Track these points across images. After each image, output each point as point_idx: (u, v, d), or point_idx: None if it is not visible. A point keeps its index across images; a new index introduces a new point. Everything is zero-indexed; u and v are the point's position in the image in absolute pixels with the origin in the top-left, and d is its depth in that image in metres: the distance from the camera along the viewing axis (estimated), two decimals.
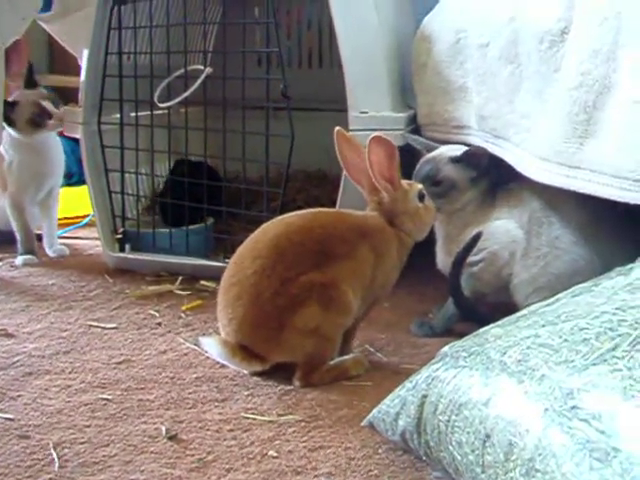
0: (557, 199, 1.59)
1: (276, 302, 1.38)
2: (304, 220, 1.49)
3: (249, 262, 1.41)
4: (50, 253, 2.32)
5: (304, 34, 2.84)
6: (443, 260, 1.74)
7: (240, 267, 1.43)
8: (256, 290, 1.39)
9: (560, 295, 1.17)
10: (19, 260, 2.24)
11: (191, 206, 2.04)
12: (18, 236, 2.27)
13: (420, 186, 1.57)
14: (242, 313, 1.39)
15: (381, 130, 1.79)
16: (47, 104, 2.22)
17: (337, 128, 1.53)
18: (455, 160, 1.70)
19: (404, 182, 1.55)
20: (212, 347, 1.45)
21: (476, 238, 1.63)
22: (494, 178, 1.72)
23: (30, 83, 2.27)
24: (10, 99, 2.22)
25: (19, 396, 1.35)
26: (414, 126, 1.95)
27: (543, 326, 1.04)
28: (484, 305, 1.69)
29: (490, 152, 1.72)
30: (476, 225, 1.68)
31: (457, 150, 1.72)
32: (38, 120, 2.21)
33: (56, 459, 1.14)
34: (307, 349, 1.40)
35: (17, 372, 1.45)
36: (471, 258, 1.65)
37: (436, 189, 1.68)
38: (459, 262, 1.64)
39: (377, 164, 1.48)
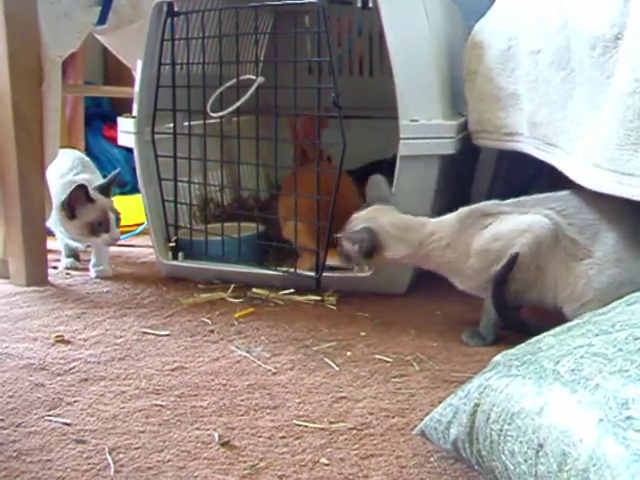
0: (611, 207, 1.57)
1: None
2: None
3: None
4: (92, 274, 2.21)
5: (355, 42, 2.86)
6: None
7: None
8: None
9: (614, 303, 1.15)
10: (62, 264, 2.29)
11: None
12: (60, 241, 2.32)
13: None
14: None
15: (432, 138, 1.81)
16: (112, 219, 2.11)
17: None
18: None
19: None
20: None
21: (515, 258, 1.60)
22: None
23: (105, 192, 2.16)
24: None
25: (75, 401, 1.37)
26: (465, 133, 1.95)
27: (597, 335, 1.03)
28: (525, 310, 1.67)
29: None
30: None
31: None
32: (97, 229, 2.09)
33: (111, 464, 1.15)
34: None
35: (73, 378, 1.48)
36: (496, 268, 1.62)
37: None
38: (499, 282, 1.61)
39: None
